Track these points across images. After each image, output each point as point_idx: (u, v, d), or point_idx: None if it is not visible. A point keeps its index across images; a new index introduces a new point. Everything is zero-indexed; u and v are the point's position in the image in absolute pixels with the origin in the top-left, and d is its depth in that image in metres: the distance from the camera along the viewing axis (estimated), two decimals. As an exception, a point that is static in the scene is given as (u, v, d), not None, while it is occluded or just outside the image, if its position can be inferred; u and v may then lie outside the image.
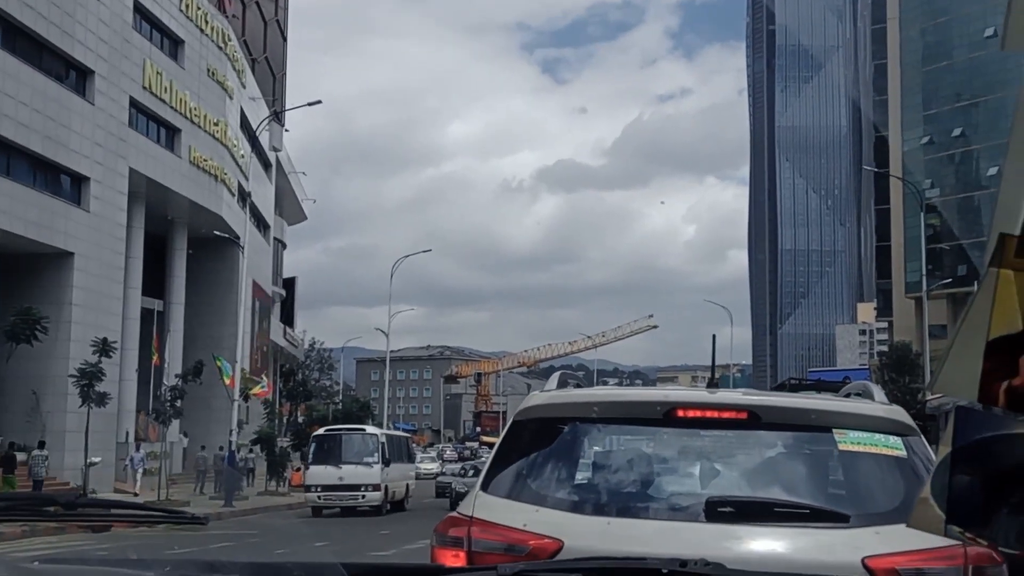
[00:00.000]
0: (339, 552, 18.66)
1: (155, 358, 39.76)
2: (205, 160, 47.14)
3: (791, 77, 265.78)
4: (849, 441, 4.01)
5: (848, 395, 4.87)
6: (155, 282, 47.71)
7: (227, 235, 43.87)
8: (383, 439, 32.79)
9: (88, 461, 33.64)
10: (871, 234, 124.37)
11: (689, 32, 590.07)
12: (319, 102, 42.32)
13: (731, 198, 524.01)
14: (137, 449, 36.77)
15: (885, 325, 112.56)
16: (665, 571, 2.27)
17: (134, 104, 41.59)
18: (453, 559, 4.01)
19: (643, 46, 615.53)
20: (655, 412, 4.17)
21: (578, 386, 4.92)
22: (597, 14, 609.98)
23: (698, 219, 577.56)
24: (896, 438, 4.06)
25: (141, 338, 43.50)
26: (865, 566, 3.63)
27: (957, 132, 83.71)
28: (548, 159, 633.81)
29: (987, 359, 1.79)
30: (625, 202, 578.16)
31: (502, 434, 4.48)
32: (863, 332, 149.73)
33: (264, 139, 63.89)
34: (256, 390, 42.12)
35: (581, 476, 4.20)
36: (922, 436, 4.17)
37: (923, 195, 68.39)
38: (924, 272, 45.18)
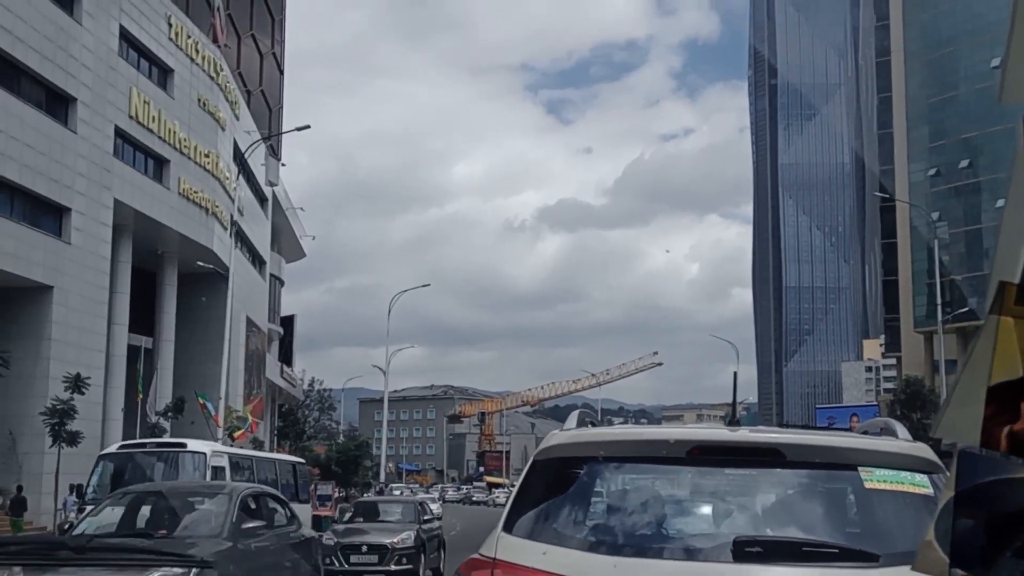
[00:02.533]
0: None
1: (139, 396, 38.22)
2: (195, 192, 45.83)
3: (793, 115, 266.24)
4: (875, 479, 3.98)
5: (865, 432, 4.80)
6: (144, 319, 46.37)
7: (212, 266, 42.36)
8: (218, 462, 21.02)
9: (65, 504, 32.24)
10: (876, 270, 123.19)
11: (692, 72, 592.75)
12: (308, 127, 41.16)
13: (734, 236, 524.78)
14: (71, 492, 34.69)
15: (891, 362, 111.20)
16: None
17: (120, 134, 40.32)
18: None
19: (647, 86, 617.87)
20: (678, 451, 4.08)
21: (592, 424, 4.82)
22: (601, 55, 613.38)
23: (701, 257, 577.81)
24: (923, 476, 3.99)
25: (128, 376, 42.06)
26: None
27: (964, 164, 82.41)
28: (551, 199, 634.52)
29: (989, 404, 1.81)
30: (627, 241, 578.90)
31: (523, 474, 4.42)
32: (869, 369, 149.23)
33: (260, 174, 62.75)
34: (238, 434, 40.43)
35: (605, 516, 4.13)
36: (947, 473, 3.51)
37: (935, 225, 67.03)
38: (940, 302, 43.60)
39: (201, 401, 36.29)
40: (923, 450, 4.14)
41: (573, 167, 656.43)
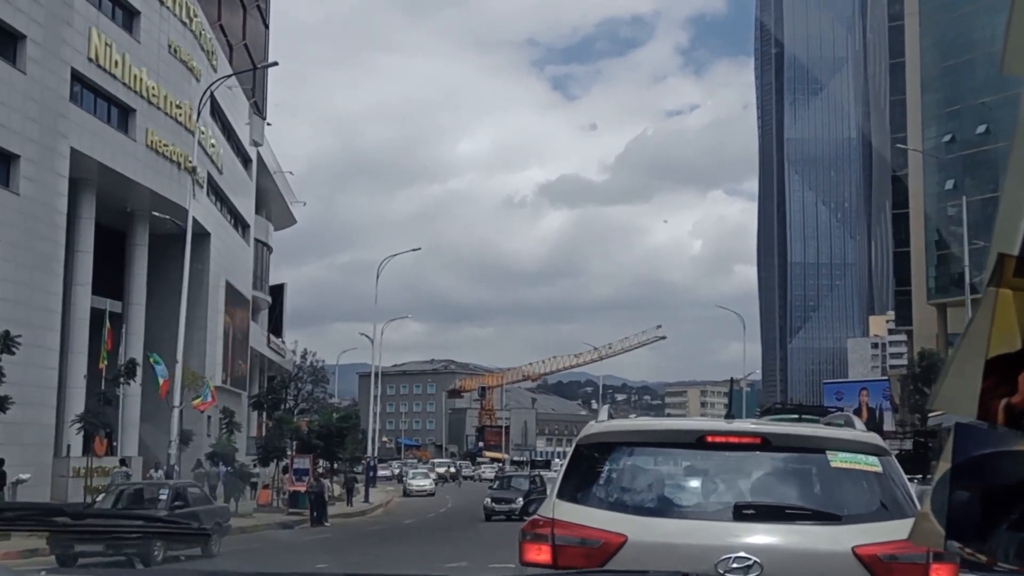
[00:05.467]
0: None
1: (102, 363, 35.23)
2: (165, 145, 42.69)
3: (800, 89, 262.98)
4: (839, 460, 5.25)
5: (830, 424, 6.55)
6: (115, 281, 43.41)
7: (168, 216, 39.13)
8: None
9: (16, 478, 29.48)
10: (885, 243, 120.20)
11: (698, 48, 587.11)
12: (276, 64, 38.00)
13: (737, 212, 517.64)
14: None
15: (898, 338, 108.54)
16: None
17: (77, 77, 37.08)
18: (538, 551, 5.19)
19: (652, 63, 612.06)
20: (689, 438, 5.46)
21: (611, 416, 6.05)
22: (607, 31, 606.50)
23: (703, 234, 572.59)
24: (874, 457, 5.29)
25: (91, 342, 39.10)
26: (854, 553, 4.84)
27: (981, 129, 79.11)
28: (554, 175, 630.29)
29: (986, 377, 1.84)
30: (630, 217, 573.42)
31: (568, 456, 5.73)
32: (875, 345, 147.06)
33: (244, 134, 59.62)
34: (196, 402, 37.40)
35: (635, 486, 5.40)
36: (892, 456, 5.45)
37: (951, 192, 63.88)
38: (967, 264, 40.45)
39: (151, 361, 33.20)
40: (875, 438, 5.58)
41: (577, 143, 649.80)
